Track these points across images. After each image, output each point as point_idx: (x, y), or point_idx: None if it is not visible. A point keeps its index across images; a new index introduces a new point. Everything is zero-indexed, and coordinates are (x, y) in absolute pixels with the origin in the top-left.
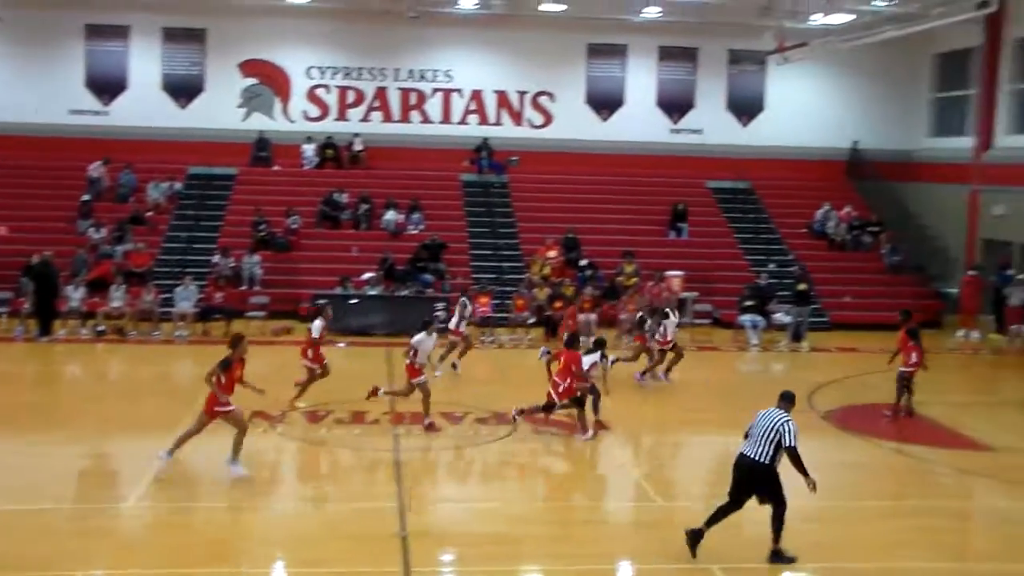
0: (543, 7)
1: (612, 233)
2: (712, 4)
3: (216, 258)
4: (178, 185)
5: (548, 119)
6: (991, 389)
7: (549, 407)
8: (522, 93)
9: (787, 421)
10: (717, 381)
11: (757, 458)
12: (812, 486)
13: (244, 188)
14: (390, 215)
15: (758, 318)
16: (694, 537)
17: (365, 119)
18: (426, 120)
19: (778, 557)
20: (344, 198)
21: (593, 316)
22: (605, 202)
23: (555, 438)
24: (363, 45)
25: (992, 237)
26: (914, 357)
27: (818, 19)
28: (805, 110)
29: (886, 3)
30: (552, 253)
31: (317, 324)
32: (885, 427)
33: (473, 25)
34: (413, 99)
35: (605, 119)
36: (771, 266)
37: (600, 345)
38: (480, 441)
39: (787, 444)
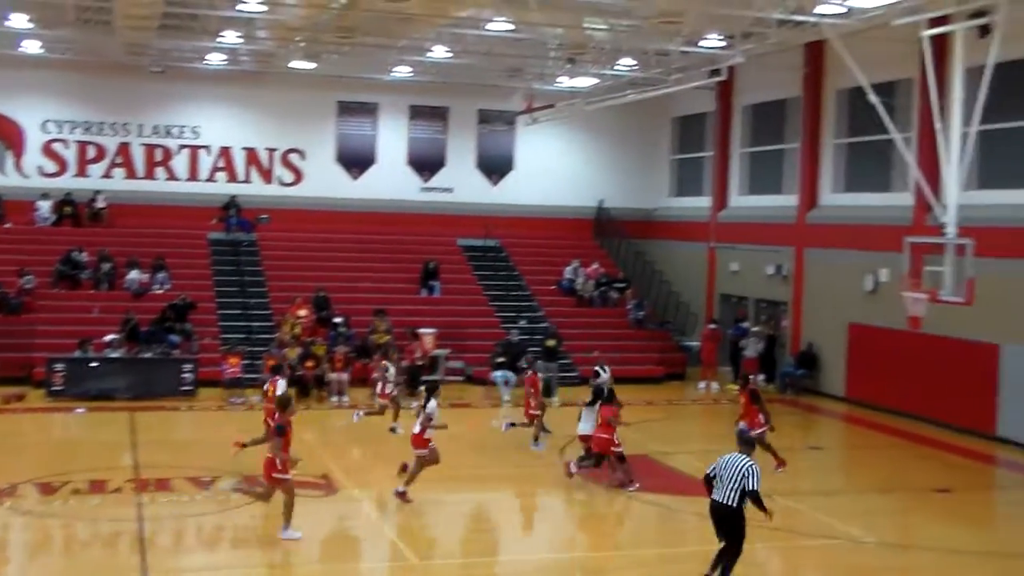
0: (293, 64)
1: (364, 291)
2: (462, 65)
3: None
4: None
5: (298, 177)
6: (728, 437)
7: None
8: (272, 150)
9: (751, 465)
10: (470, 437)
11: (726, 502)
12: (770, 517)
13: None
14: (133, 274)
15: (510, 374)
16: None
17: (107, 175)
18: (172, 177)
19: None
20: (84, 257)
21: (345, 375)
22: (357, 260)
23: (307, 501)
24: (104, 99)
25: (729, 292)
26: (760, 419)
27: (564, 82)
28: (553, 169)
29: (628, 68)
30: (303, 312)
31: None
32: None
33: (221, 81)
34: (159, 155)
35: (356, 177)
36: (522, 322)
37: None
38: (231, 506)
39: (750, 488)
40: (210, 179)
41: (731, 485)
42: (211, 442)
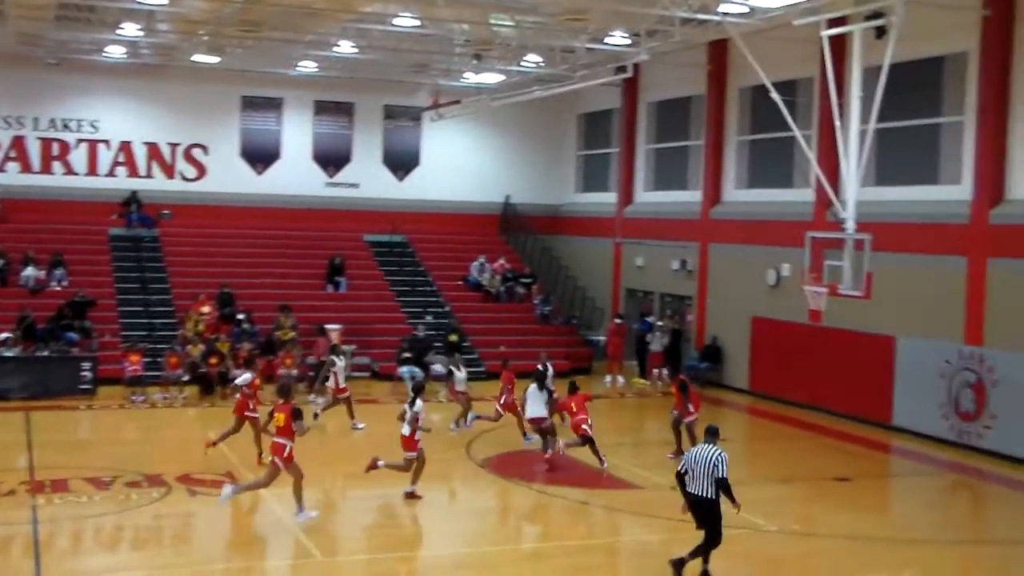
0: (196, 58)
1: (269, 287)
2: (368, 60)
3: None
4: None
5: (202, 172)
6: (636, 430)
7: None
8: (174, 145)
9: (720, 454)
10: (377, 433)
11: (702, 494)
12: (738, 508)
13: None
14: (29, 271)
15: (416, 369)
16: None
17: (0, 169)
18: (70, 171)
19: None
20: None
21: (249, 373)
22: (261, 256)
23: (211, 499)
24: None
25: (634, 287)
26: (691, 407)
27: (470, 78)
28: (460, 165)
29: (534, 65)
30: (206, 308)
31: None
32: (539, 472)
33: (121, 74)
34: (56, 149)
35: (260, 172)
36: (428, 318)
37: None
38: (131, 506)
39: (720, 475)
40: (110, 174)
41: (704, 476)
42: (111, 441)
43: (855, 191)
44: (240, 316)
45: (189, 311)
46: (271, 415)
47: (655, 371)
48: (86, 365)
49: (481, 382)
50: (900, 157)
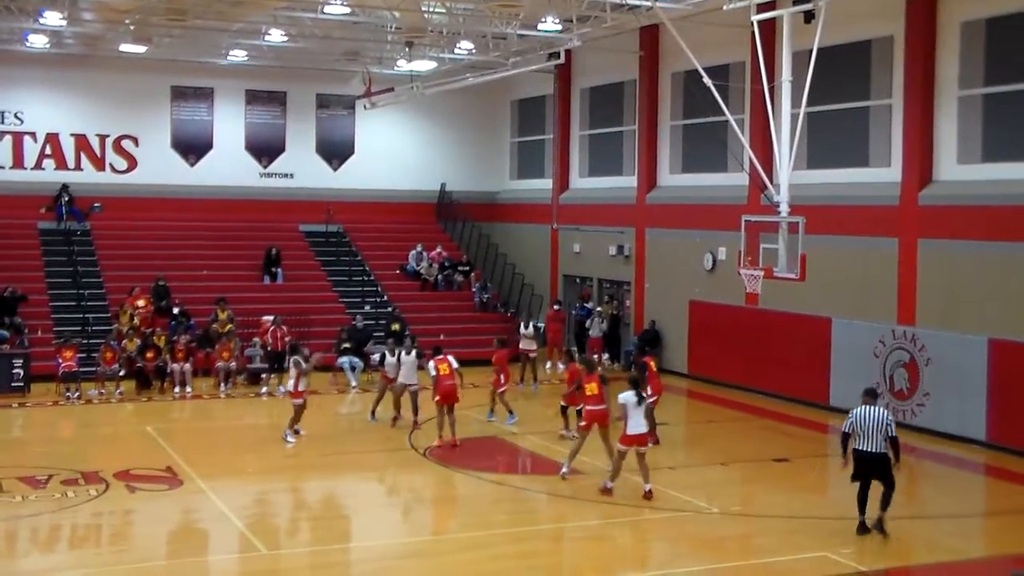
0: (123, 47)
1: (205, 279)
2: (299, 49)
3: None
4: None
5: (132, 164)
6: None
7: None
8: (103, 137)
9: (888, 414)
10: (318, 425)
11: (875, 450)
12: (898, 467)
13: None
14: None
15: (356, 359)
16: (876, 527)
17: None
18: None
19: (882, 525)
20: None
21: (187, 366)
22: (197, 248)
23: (151, 495)
24: None
25: (572, 273)
26: (649, 390)
27: (403, 65)
28: (394, 153)
29: (467, 52)
30: (141, 302)
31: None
32: (482, 460)
33: (46, 64)
34: None
35: (193, 163)
36: (367, 308)
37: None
38: (68, 505)
39: (892, 433)
40: (37, 166)
41: (877, 434)
42: (46, 439)
43: (788, 174)
44: (176, 309)
45: (124, 305)
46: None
47: (595, 356)
48: (18, 362)
49: (421, 371)
50: (831, 140)
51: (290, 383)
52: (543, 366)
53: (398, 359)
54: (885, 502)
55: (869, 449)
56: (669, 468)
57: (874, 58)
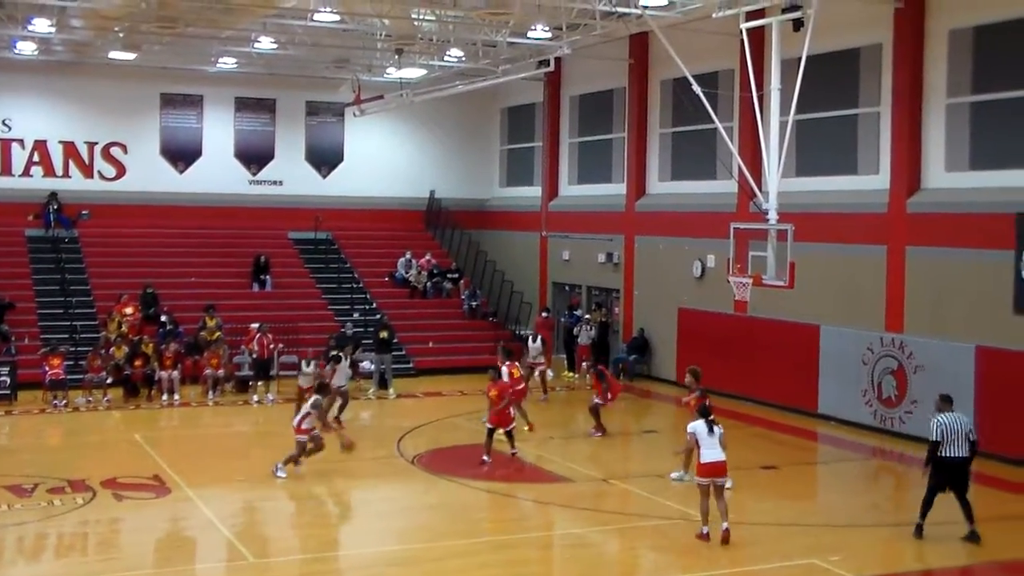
0: (112, 55)
1: (193, 287)
2: (288, 56)
3: None
4: None
5: (121, 171)
6: (566, 423)
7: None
8: (92, 144)
9: (968, 420)
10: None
11: (963, 455)
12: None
13: None
14: None
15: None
16: (968, 538)
17: None
18: None
19: (976, 534)
20: None
21: (176, 373)
22: (185, 255)
23: (138, 503)
24: None
25: (561, 280)
26: (608, 394)
27: (393, 73)
28: (384, 161)
29: (456, 60)
30: (129, 310)
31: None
32: (470, 468)
33: (35, 71)
34: None
35: (182, 171)
36: (355, 315)
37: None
38: (55, 514)
39: (974, 437)
40: (25, 173)
41: (962, 439)
42: (32, 447)
43: (776, 182)
44: (164, 317)
45: (112, 312)
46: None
47: (584, 364)
48: (4, 370)
49: (410, 378)
50: (820, 148)
51: (296, 418)
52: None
53: (341, 366)
54: (969, 511)
55: (956, 455)
56: (658, 476)
57: (862, 66)
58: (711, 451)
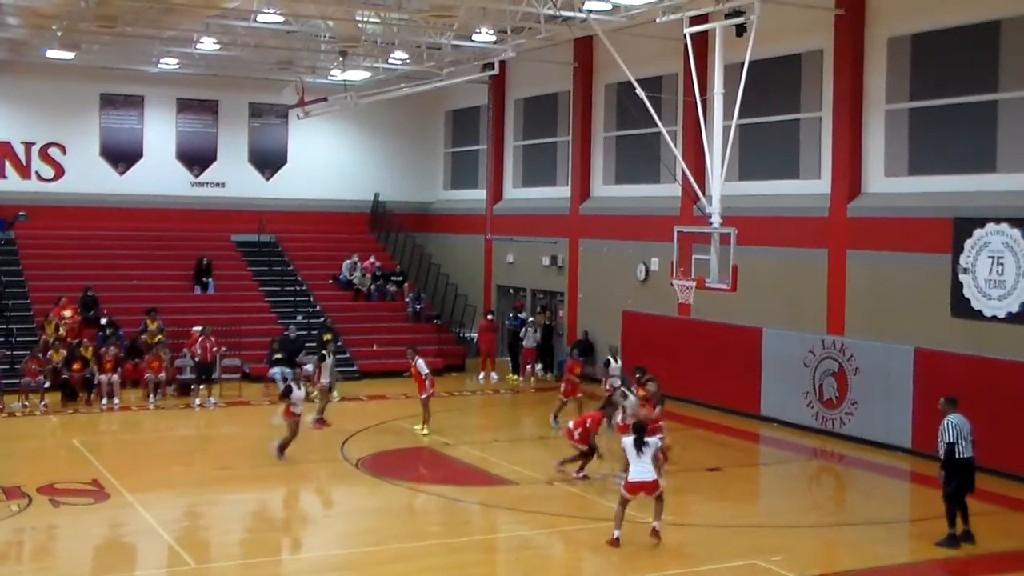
0: (50, 54)
1: (135, 289)
2: (231, 57)
3: None
4: None
5: (60, 172)
6: (511, 426)
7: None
8: (29, 144)
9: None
10: (249, 436)
11: (971, 455)
12: None
13: None
14: None
15: (288, 370)
16: (963, 538)
17: None
18: None
19: (972, 534)
20: None
21: (116, 377)
22: (126, 257)
23: (76, 509)
24: None
25: (505, 283)
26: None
27: (337, 75)
28: (328, 163)
29: (401, 62)
30: (67, 312)
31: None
32: (415, 471)
33: None
34: None
35: (122, 172)
36: (299, 318)
37: None
38: None
39: (973, 439)
40: None
41: (972, 439)
42: None
43: (720, 186)
44: (104, 320)
45: (49, 315)
46: None
47: (528, 367)
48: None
49: (354, 381)
50: (763, 152)
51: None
52: (476, 377)
53: (326, 364)
54: (966, 510)
55: (968, 455)
56: (603, 479)
57: (804, 72)
58: (639, 469)
